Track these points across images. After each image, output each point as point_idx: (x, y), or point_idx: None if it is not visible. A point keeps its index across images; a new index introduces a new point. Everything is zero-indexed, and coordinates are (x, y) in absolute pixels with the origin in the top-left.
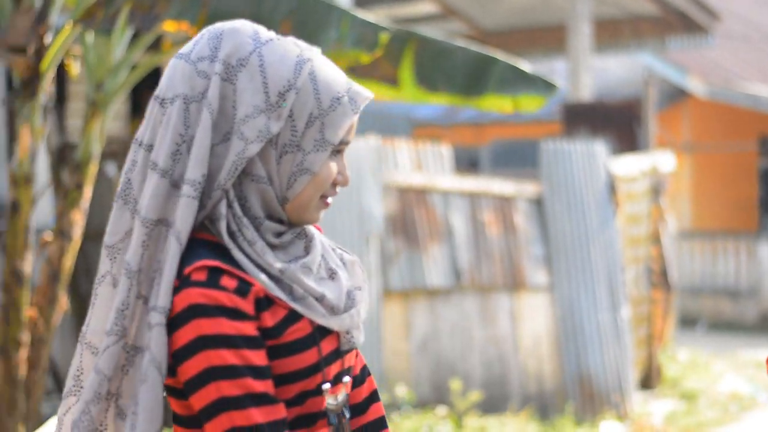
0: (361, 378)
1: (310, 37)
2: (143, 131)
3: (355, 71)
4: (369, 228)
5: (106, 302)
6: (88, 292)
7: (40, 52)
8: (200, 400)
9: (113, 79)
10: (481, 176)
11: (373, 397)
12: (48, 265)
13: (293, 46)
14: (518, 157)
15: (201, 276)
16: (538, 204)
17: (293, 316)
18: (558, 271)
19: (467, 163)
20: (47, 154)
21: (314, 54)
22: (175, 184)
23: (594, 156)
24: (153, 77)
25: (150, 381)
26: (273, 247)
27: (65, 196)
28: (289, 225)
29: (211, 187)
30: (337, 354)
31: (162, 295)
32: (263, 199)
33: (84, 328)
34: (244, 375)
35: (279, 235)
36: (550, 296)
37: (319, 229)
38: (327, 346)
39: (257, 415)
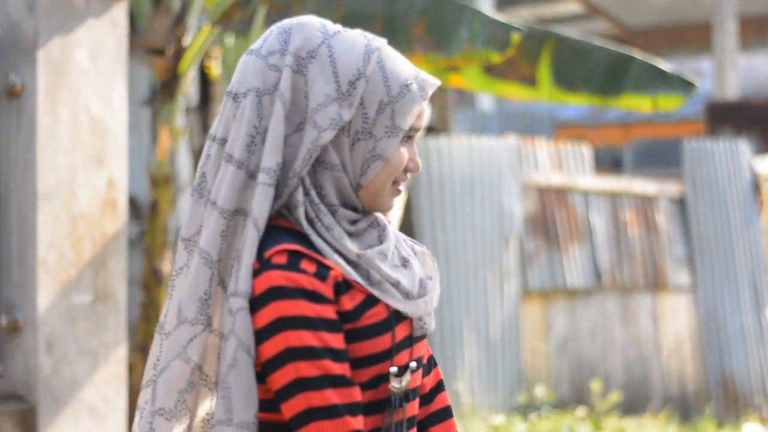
0: (428, 368)
1: (442, 37)
2: (216, 126)
3: (492, 71)
4: (508, 228)
5: None
6: None
7: (179, 53)
8: (278, 380)
9: None
10: (622, 176)
11: (439, 386)
12: None
13: (360, 36)
14: (662, 157)
15: (281, 259)
16: (681, 204)
17: (371, 301)
18: (701, 272)
19: (610, 162)
20: (190, 155)
21: (382, 44)
22: (251, 175)
23: (738, 155)
24: None
25: (240, 365)
26: (348, 234)
27: None
28: (362, 213)
29: (287, 176)
30: (410, 340)
31: (242, 280)
32: (338, 186)
33: (162, 318)
34: (323, 357)
35: (353, 222)
36: (692, 297)
37: (389, 221)
38: (401, 332)
39: (334, 397)
